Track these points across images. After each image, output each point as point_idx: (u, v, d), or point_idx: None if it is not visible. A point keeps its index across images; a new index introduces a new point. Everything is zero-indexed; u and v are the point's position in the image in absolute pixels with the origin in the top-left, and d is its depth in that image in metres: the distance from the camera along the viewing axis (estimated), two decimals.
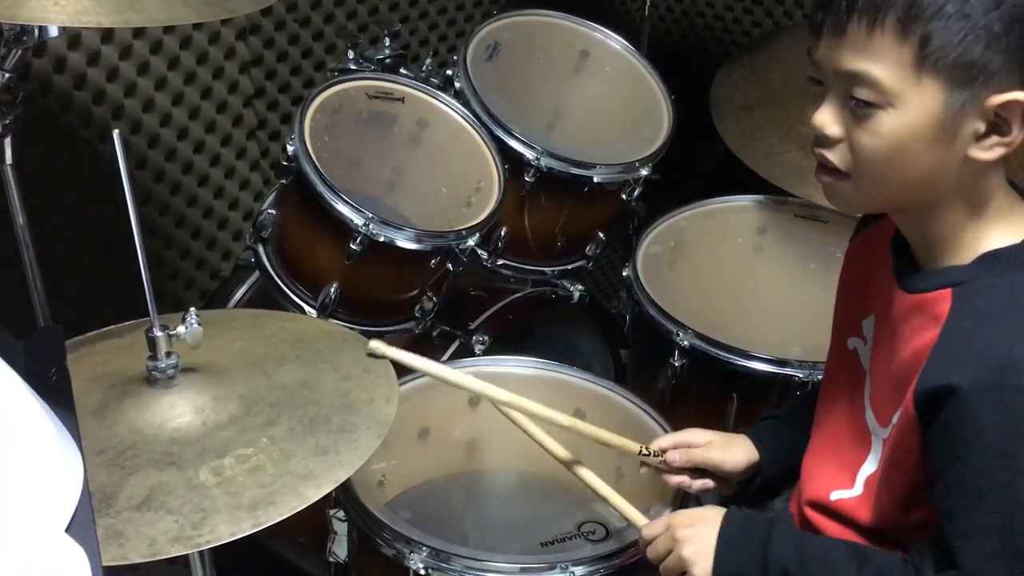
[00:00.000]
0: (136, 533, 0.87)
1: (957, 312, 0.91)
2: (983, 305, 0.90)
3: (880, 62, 0.87)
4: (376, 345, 1.13)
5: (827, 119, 0.92)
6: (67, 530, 0.79)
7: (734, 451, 1.22)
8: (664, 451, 1.23)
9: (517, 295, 1.82)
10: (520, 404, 1.19)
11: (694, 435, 1.24)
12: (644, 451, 1.23)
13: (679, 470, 1.23)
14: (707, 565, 1.03)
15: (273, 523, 0.88)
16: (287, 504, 0.91)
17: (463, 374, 1.23)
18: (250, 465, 0.95)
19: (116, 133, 0.92)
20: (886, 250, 1.03)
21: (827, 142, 0.93)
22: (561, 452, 1.24)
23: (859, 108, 0.89)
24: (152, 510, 0.89)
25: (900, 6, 0.85)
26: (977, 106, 0.87)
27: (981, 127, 0.88)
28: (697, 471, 1.23)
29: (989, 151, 0.89)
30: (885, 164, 0.90)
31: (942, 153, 0.89)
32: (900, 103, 0.88)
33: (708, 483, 1.23)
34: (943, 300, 0.92)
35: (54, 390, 0.97)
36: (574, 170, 1.73)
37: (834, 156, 0.93)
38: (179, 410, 1.01)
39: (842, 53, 0.89)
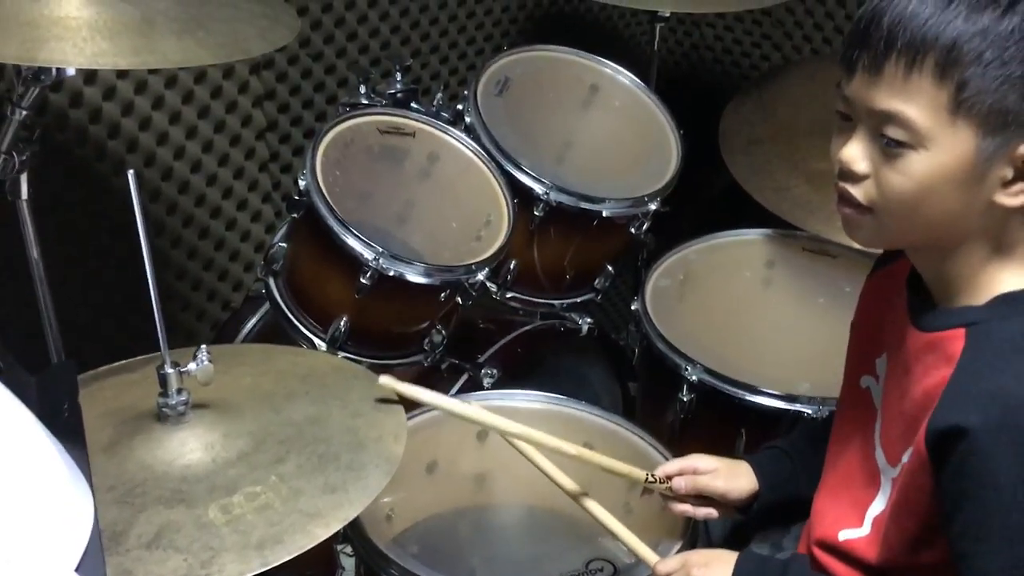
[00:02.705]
0: (145, 572, 0.87)
1: (970, 352, 0.91)
2: (996, 346, 0.90)
3: (915, 103, 0.87)
4: (386, 381, 1.14)
5: (855, 155, 0.92)
6: (77, 569, 0.80)
7: (739, 479, 1.23)
8: (670, 478, 1.24)
9: (526, 328, 1.83)
10: (527, 435, 1.21)
11: (699, 461, 1.25)
12: (650, 478, 1.24)
13: (684, 497, 1.24)
14: None
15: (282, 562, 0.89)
16: (295, 543, 0.91)
17: (471, 406, 1.24)
18: (259, 503, 0.95)
19: (131, 173, 0.93)
20: (901, 288, 1.03)
21: (853, 177, 0.93)
22: (570, 485, 1.24)
23: (890, 147, 0.89)
24: (161, 548, 0.90)
25: (940, 49, 0.85)
26: (1006, 153, 0.88)
27: (1009, 174, 0.89)
28: (701, 498, 1.24)
29: (1015, 198, 0.89)
30: (911, 203, 0.91)
31: (968, 197, 0.90)
32: (932, 145, 0.88)
33: (712, 512, 1.24)
34: (956, 340, 0.92)
35: (66, 426, 0.98)
36: (583, 204, 1.73)
37: (858, 192, 0.93)
38: (189, 447, 1.01)
39: (877, 92, 0.89)
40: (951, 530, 0.90)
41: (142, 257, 0.99)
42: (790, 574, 1.01)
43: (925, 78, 0.86)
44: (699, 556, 1.09)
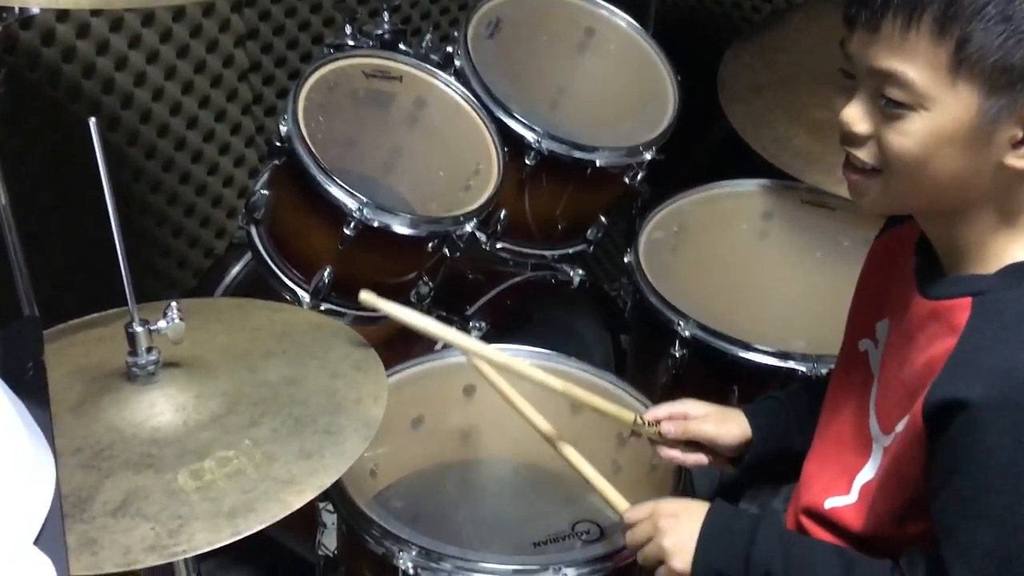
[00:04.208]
0: (111, 541, 0.84)
1: (976, 323, 0.88)
2: (1003, 318, 0.87)
3: (914, 63, 0.84)
4: (366, 297, 1.08)
5: (856, 116, 0.89)
6: (36, 541, 0.76)
7: (730, 425, 1.20)
8: (659, 421, 1.20)
9: (516, 279, 1.78)
10: (512, 365, 1.16)
11: (690, 406, 1.21)
12: (639, 420, 1.20)
13: (673, 442, 1.20)
14: (687, 558, 1.00)
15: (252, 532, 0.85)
16: (268, 512, 0.87)
17: (454, 331, 1.18)
18: (231, 469, 0.91)
19: (93, 121, 0.88)
20: (909, 253, 1.00)
21: (855, 140, 0.90)
22: (547, 428, 1.19)
23: (889, 107, 0.86)
24: (128, 516, 0.86)
25: (938, 5, 0.82)
26: (1015, 112, 0.84)
27: (1019, 134, 0.85)
28: (691, 445, 1.21)
29: None
30: (915, 165, 0.87)
31: (975, 158, 0.86)
32: (933, 106, 0.85)
33: (702, 459, 1.21)
34: (962, 309, 0.89)
35: (29, 386, 0.94)
36: (576, 153, 1.68)
37: (863, 154, 0.90)
38: (159, 408, 0.97)
39: (875, 50, 0.86)
40: (938, 503, 0.88)
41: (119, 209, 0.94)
42: (761, 529, 0.98)
43: (923, 36, 0.83)
44: (669, 505, 1.06)
